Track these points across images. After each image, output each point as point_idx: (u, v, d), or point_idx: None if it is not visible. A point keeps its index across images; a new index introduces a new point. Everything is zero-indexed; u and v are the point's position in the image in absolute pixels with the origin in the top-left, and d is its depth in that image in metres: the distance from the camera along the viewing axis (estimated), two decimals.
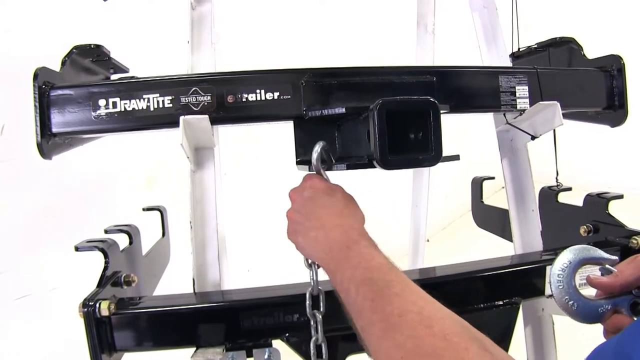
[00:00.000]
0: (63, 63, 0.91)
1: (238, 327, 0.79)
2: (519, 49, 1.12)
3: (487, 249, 1.60)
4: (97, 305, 0.75)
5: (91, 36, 1.06)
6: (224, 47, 1.06)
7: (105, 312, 0.75)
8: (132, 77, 1.28)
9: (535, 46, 1.09)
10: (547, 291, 0.83)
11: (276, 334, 0.80)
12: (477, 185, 1.46)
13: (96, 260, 0.96)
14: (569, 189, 1.13)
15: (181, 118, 0.80)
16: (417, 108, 0.72)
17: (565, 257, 0.65)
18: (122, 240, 1.02)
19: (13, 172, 1.53)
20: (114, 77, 1.19)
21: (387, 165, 0.71)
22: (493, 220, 1.40)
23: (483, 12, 1.06)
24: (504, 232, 1.34)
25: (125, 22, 1.77)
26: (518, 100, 0.91)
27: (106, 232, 1.01)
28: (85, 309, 0.74)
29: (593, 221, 1.01)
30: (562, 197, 1.12)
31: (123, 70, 1.17)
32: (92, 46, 0.96)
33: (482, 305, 0.85)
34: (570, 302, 0.62)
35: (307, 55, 2.39)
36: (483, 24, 1.07)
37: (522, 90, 0.91)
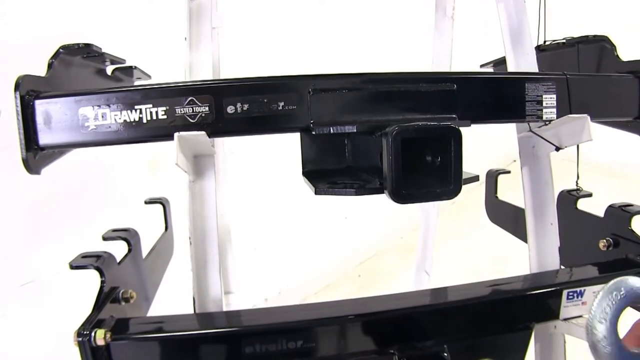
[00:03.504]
0: (49, 66, 0.84)
1: (239, 353, 0.76)
2: (544, 41, 1.03)
3: (494, 227, 1.55)
4: (93, 334, 0.72)
5: (88, 28, 0.99)
6: (223, 48, 0.98)
7: (101, 342, 0.71)
8: (129, 69, 1.22)
9: (564, 41, 0.99)
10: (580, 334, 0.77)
11: (278, 359, 0.77)
12: (492, 179, 1.40)
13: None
14: (590, 194, 1.07)
15: (175, 135, 0.74)
16: (437, 135, 0.66)
17: (608, 298, 0.58)
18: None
19: (13, 159, 1.49)
20: (109, 69, 1.13)
21: (401, 200, 0.65)
22: (506, 217, 1.35)
23: (509, 3, 0.96)
24: (517, 230, 1.29)
25: (121, 17, 1.68)
26: (544, 110, 0.83)
27: (104, 239, 0.97)
28: (80, 339, 0.71)
29: (613, 234, 0.96)
30: (582, 204, 1.07)
31: (119, 62, 1.10)
32: (81, 45, 0.88)
33: (493, 330, 0.81)
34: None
35: (309, 51, 2.30)
36: (508, 16, 0.97)
37: (550, 99, 0.83)
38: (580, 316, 0.84)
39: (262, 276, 2.60)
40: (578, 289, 0.82)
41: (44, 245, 1.71)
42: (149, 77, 1.34)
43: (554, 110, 0.84)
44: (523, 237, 1.13)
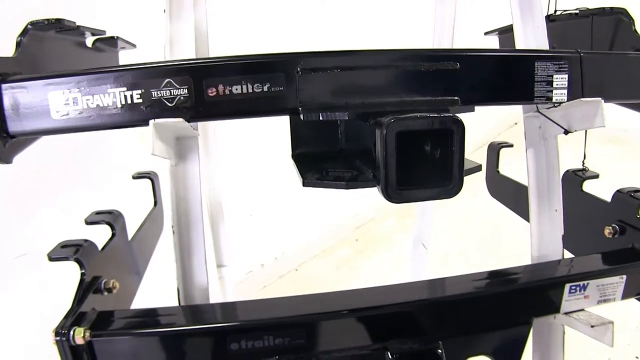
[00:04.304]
0: (18, 44, 0.77)
1: (225, 349, 0.73)
2: (555, 11, 0.95)
3: None
4: (71, 332, 0.68)
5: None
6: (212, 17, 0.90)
7: (80, 341, 0.68)
8: (111, 39, 1.14)
9: (577, 12, 0.91)
10: None
11: (265, 355, 0.74)
12: (494, 152, 1.34)
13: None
14: (596, 176, 1.01)
15: (150, 122, 0.68)
16: (438, 127, 0.59)
17: None
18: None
19: None
20: (90, 40, 1.06)
21: (395, 200, 0.60)
22: (507, 193, 1.30)
23: None
24: (517, 207, 1.25)
25: None
26: (554, 92, 0.77)
27: (87, 223, 0.93)
28: (58, 338, 0.68)
29: (619, 221, 0.91)
30: (587, 186, 1.02)
31: (99, 33, 1.02)
32: (51, 20, 0.81)
33: (490, 326, 0.78)
34: None
35: (303, 28, 2.20)
36: None
37: (561, 80, 0.76)
38: (582, 310, 0.80)
39: (258, 242, 2.59)
40: (581, 283, 0.78)
41: (38, 217, 1.68)
42: (134, 46, 1.27)
43: (565, 91, 0.77)
44: (524, 215, 1.08)
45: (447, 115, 0.59)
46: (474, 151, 3.75)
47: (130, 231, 1.05)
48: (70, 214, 1.48)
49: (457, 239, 3.00)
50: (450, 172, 0.59)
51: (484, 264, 2.86)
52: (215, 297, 1.61)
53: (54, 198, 1.71)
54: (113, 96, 0.70)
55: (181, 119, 0.69)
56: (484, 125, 3.69)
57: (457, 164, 0.59)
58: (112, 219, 0.94)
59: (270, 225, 2.62)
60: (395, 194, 0.59)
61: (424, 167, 0.62)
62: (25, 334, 1.61)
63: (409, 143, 0.61)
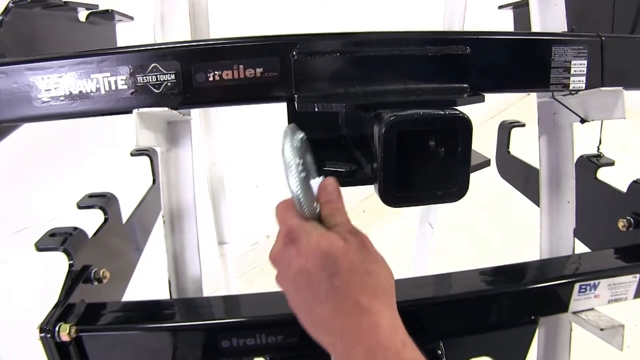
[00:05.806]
0: (0, 24, 0.72)
1: (216, 346, 0.71)
2: None
3: None
4: (57, 328, 0.66)
5: None
6: None
7: (65, 338, 0.66)
8: (105, 12, 1.08)
9: None
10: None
11: (258, 353, 0.72)
12: (505, 131, 1.28)
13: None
14: (612, 163, 0.96)
15: (134, 112, 0.64)
16: (442, 127, 0.54)
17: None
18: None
19: None
20: (82, 15, 1.01)
21: (393, 204, 0.55)
22: (517, 174, 1.25)
23: None
24: (526, 189, 1.20)
25: None
26: (572, 79, 0.71)
27: (79, 207, 0.90)
28: (43, 334, 0.66)
29: (634, 214, 0.86)
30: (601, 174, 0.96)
31: (90, 7, 0.97)
32: None
33: (494, 326, 0.75)
34: None
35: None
36: None
37: (579, 66, 0.70)
38: (592, 309, 0.77)
39: (263, 214, 2.56)
40: (591, 282, 0.74)
41: (38, 192, 1.67)
42: (131, 18, 1.21)
43: (583, 78, 0.71)
44: (534, 199, 1.04)
45: (452, 113, 0.53)
46: (487, 121, 3.66)
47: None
48: (70, 187, 1.46)
49: (464, 208, 2.95)
50: (454, 174, 0.54)
51: (491, 235, 2.84)
52: (216, 276, 1.60)
53: (53, 172, 1.69)
54: (96, 82, 0.65)
55: (167, 109, 0.64)
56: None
57: (462, 165, 0.54)
58: (104, 202, 0.91)
59: (276, 197, 2.59)
60: (393, 198, 0.54)
61: (426, 166, 0.57)
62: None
63: (409, 139, 0.57)
